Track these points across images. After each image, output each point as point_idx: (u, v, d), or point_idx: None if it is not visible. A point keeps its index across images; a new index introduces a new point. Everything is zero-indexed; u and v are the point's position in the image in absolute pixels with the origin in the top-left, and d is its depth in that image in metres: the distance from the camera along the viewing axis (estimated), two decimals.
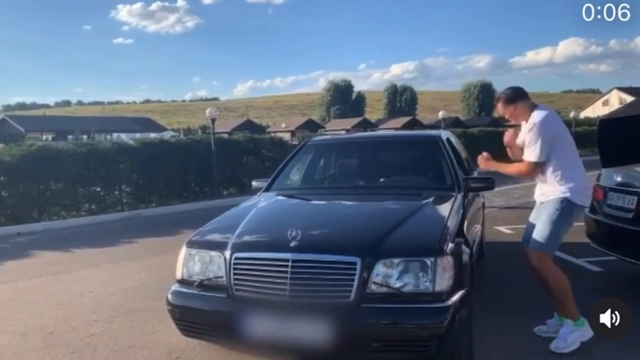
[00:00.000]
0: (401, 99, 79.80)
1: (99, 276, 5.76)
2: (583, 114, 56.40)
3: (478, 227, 4.71)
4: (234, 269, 2.87)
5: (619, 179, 4.49)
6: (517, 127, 3.72)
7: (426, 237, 2.88)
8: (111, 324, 4.12)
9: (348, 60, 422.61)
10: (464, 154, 5.18)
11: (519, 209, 9.44)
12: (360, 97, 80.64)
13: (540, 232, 3.37)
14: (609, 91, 76.60)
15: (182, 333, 3.13)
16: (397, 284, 2.66)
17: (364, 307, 2.62)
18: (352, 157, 4.97)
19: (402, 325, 2.61)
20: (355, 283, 2.63)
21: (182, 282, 3.11)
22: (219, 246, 3.02)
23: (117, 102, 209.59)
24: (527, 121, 3.43)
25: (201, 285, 3.00)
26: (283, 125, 57.18)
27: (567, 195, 3.31)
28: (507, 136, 3.69)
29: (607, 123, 4.94)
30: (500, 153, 3.78)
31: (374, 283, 2.66)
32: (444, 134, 4.87)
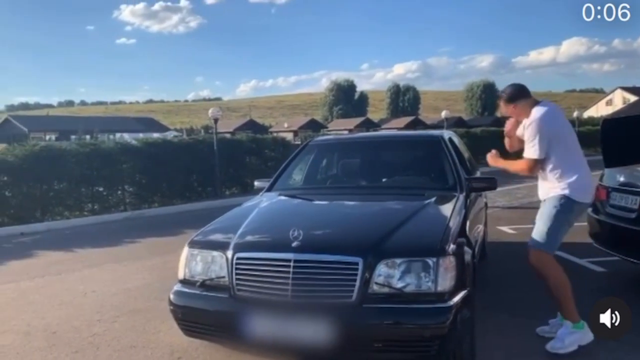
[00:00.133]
0: (404, 99, 79.69)
1: (102, 276, 5.78)
2: (586, 114, 56.20)
3: (480, 227, 4.71)
4: (236, 269, 2.88)
5: (622, 179, 4.47)
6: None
7: (428, 238, 2.88)
8: (114, 324, 4.13)
9: (351, 60, 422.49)
10: (466, 154, 5.18)
11: (521, 209, 9.43)
12: (363, 97, 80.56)
13: (539, 231, 3.35)
14: (613, 91, 76.53)
15: (184, 333, 3.14)
16: (399, 284, 2.66)
17: (366, 308, 2.62)
18: (354, 157, 4.96)
19: (404, 326, 2.61)
20: (357, 283, 2.63)
21: (184, 282, 3.12)
22: (221, 246, 3.02)
23: (120, 102, 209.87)
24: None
25: (203, 285, 3.00)
26: (286, 125, 57.18)
27: (566, 192, 3.28)
28: (509, 125, 3.65)
29: (610, 123, 4.93)
30: (502, 152, 3.77)
31: (376, 283, 2.66)
32: (447, 133, 4.87)
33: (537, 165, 3.37)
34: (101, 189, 11.26)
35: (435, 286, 2.63)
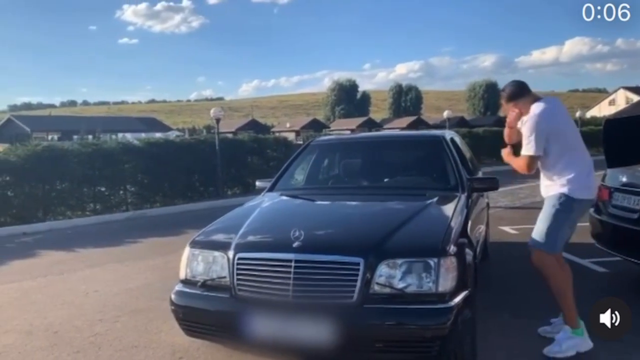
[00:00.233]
0: (406, 99, 79.58)
1: (104, 276, 5.78)
2: (589, 114, 56.10)
3: (482, 227, 4.70)
4: (237, 269, 2.88)
5: (624, 179, 4.46)
6: None
7: (429, 238, 2.88)
8: (115, 324, 4.14)
9: (353, 59, 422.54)
10: (468, 154, 5.17)
11: (524, 209, 9.42)
12: (365, 97, 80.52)
13: (538, 230, 3.31)
14: (616, 90, 76.27)
15: (186, 333, 3.14)
16: (400, 285, 2.66)
17: (367, 308, 2.62)
18: (356, 157, 4.96)
19: (405, 326, 2.61)
20: (358, 284, 2.63)
21: (186, 282, 3.12)
22: (222, 246, 3.02)
23: (122, 102, 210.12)
24: None
25: (204, 285, 3.01)
26: (288, 125, 57.22)
27: (565, 190, 3.23)
28: (511, 116, 3.50)
29: (613, 123, 4.91)
30: (503, 145, 3.74)
31: (377, 284, 2.66)
32: (448, 134, 4.86)
33: (534, 162, 3.31)
34: (103, 188, 11.27)
35: (436, 287, 2.62)
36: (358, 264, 2.66)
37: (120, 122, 55.49)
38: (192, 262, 3.12)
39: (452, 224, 3.04)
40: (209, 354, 3.43)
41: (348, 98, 76.83)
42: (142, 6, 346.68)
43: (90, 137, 23.28)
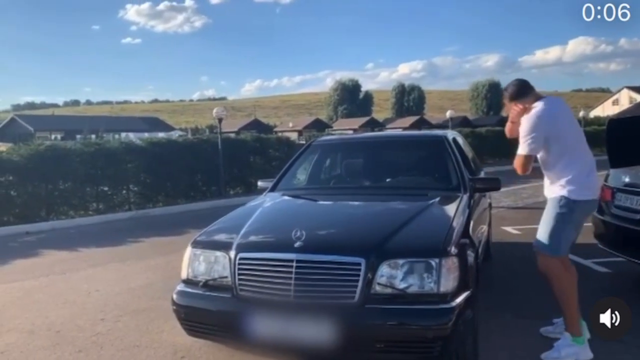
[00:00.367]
0: (409, 98, 79.55)
1: (106, 275, 5.79)
2: (593, 114, 55.87)
3: (484, 227, 4.69)
4: (239, 269, 2.87)
5: (627, 179, 4.44)
6: None
7: (431, 238, 2.87)
8: (117, 323, 4.14)
9: (356, 59, 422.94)
10: (470, 154, 5.16)
11: (526, 209, 9.39)
12: (368, 97, 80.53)
13: (541, 233, 3.28)
14: (619, 90, 76.08)
15: (187, 333, 3.14)
16: (402, 285, 2.65)
17: (368, 308, 2.61)
18: (358, 157, 4.95)
19: (406, 327, 2.60)
20: (360, 284, 2.63)
21: (187, 282, 3.12)
22: (224, 246, 3.02)
23: (125, 102, 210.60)
24: None
25: (206, 285, 3.00)
26: (290, 124, 57.27)
27: (564, 192, 3.19)
28: (515, 110, 3.41)
29: (616, 123, 4.90)
30: (507, 151, 3.73)
31: (379, 284, 2.65)
32: (450, 134, 4.84)
33: (528, 162, 3.25)
34: (106, 188, 11.29)
35: (437, 287, 2.62)
36: (359, 264, 2.65)
37: (123, 121, 55.58)
38: (193, 262, 3.12)
39: (454, 224, 3.03)
40: (211, 353, 3.44)
41: (351, 98, 76.88)
42: (145, 6, 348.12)
43: (93, 136, 23.32)
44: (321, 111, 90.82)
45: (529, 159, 3.25)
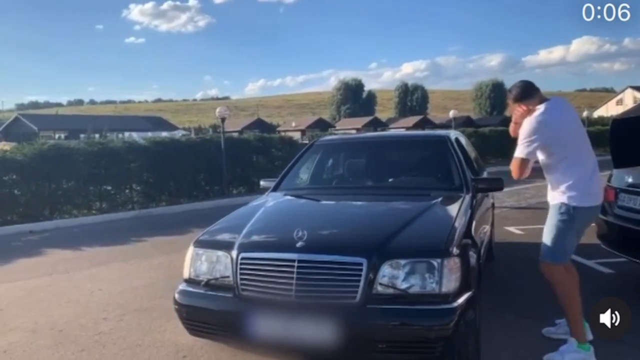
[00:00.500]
0: (412, 98, 79.33)
1: (109, 274, 5.81)
2: (596, 113, 55.81)
3: (487, 227, 4.68)
4: (241, 269, 2.88)
5: (630, 179, 4.43)
6: None
7: (433, 238, 2.87)
8: (120, 322, 4.15)
9: (359, 59, 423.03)
10: (473, 154, 5.15)
11: (529, 209, 9.37)
12: (371, 96, 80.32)
13: (543, 241, 3.24)
14: (623, 90, 75.87)
15: (189, 332, 3.14)
16: (404, 285, 2.65)
17: (370, 308, 2.61)
18: (360, 157, 4.95)
19: (408, 327, 2.60)
20: (361, 284, 2.63)
21: (189, 281, 3.13)
22: (226, 246, 3.02)
23: (129, 101, 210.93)
24: None
25: (208, 284, 3.01)
26: (293, 124, 57.28)
27: (564, 199, 3.14)
28: (518, 111, 3.35)
29: (620, 123, 4.87)
30: (509, 151, 3.72)
31: (380, 284, 2.65)
32: (453, 134, 4.84)
33: (524, 165, 3.19)
34: (109, 187, 11.32)
35: (439, 287, 2.61)
36: (361, 264, 2.65)
37: (127, 121, 55.73)
38: (195, 261, 3.13)
39: (456, 224, 3.03)
40: (213, 353, 3.44)
41: (354, 97, 76.69)
42: (149, 5, 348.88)
43: (97, 136, 23.38)
44: (324, 111, 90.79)
45: (526, 162, 3.20)
